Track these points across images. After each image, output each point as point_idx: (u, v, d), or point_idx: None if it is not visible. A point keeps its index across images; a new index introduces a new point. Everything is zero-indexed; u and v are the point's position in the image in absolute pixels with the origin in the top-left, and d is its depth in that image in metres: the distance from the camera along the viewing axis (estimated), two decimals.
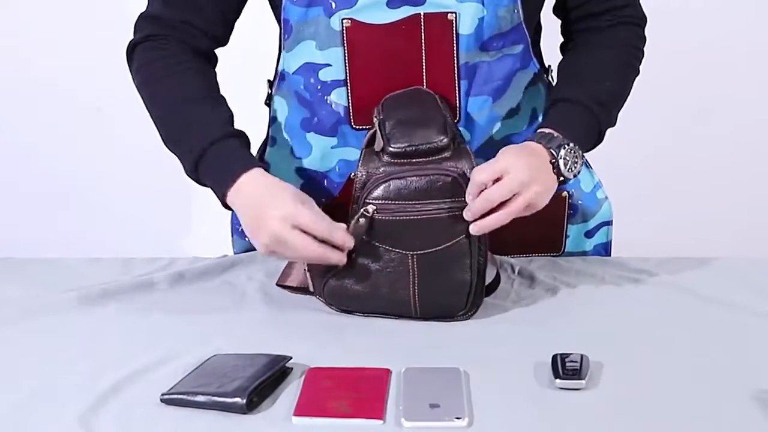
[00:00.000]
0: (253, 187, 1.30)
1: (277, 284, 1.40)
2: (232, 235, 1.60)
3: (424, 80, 1.38)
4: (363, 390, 1.09)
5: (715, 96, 2.83)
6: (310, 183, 1.48)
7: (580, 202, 1.53)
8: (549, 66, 1.50)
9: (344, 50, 1.38)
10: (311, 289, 1.36)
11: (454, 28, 1.36)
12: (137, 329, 1.29)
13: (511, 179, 1.24)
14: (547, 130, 1.34)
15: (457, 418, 1.03)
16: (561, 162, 1.30)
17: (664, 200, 2.85)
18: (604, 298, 1.37)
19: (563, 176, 1.31)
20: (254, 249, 1.56)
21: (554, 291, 1.39)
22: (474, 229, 1.24)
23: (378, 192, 1.25)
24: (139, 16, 1.46)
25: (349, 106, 1.41)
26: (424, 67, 1.37)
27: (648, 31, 1.50)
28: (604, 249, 1.58)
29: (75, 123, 2.90)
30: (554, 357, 1.14)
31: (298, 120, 1.47)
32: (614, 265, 1.48)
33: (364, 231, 1.25)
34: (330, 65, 1.39)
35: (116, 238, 2.80)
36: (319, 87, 1.41)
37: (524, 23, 1.39)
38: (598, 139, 1.42)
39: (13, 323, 1.30)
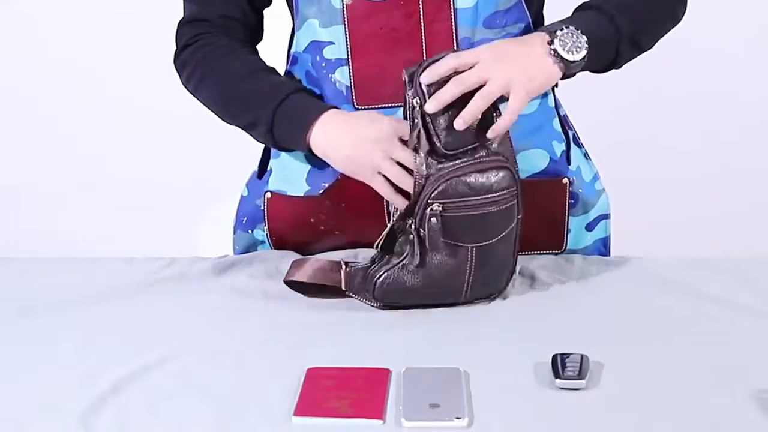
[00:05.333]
0: (340, 119, 1.36)
1: (285, 281, 1.38)
2: (235, 231, 1.59)
3: (425, 58, 1.38)
4: (363, 390, 1.09)
5: (717, 91, 2.83)
6: (317, 165, 1.48)
7: (580, 190, 1.52)
8: None
9: (345, 28, 1.39)
10: (343, 287, 1.34)
11: (451, 3, 1.37)
12: (137, 329, 1.29)
13: (481, 67, 1.25)
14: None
15: (457, 418, 1.03)
16: (558, 42, 1.30)
17: (663, 197, 2.85)
18: (604, 297, 1.37)
19: (563, 58, 1.30)
20: (255, 247, 1.57)
21: (555, 291, 1.39)
22: (458, 122, 1.24)
23: (442, 189, 1.25)
24: (179, 24, 1.52)
25: (351, 85, 1.42)
26: (423, 44, 1.38)
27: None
28: (603, 244, 1.58)
29: (75, 122, 2.90)
30: (554, 357, 1.14)
31: None
32: (614, 265, 1.48)
33: (438, 231, 1.26)
34: (333, 43, 1.41)
35: (116, 238, 2.80)
36: (323, 65, 1.43)
37: (524, 2, 1.41)
38: (618, 52, 1.38)
39: (13, 323, 1.30)
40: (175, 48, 1.52)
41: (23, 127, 2.91)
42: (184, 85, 1.52)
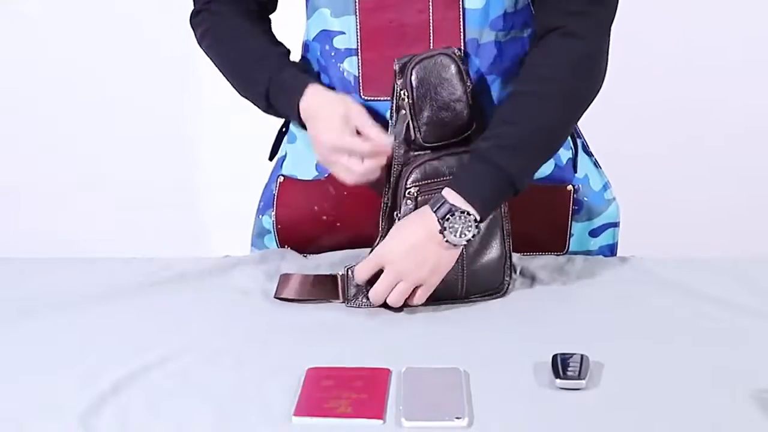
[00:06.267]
0: (306, 112, 1.40)
1: (275, 297, 1.38)
2: (256, 215, 1.62)
3: None
4: (363, 390, 1.09)
5: (716, 93, 2.83)
6: None
7: (586, 198, 1.52)
8: None
9: (356, 19, 1.41)
10: (341, 299, 1.35)
11: (461, 2, 1.38)
12: (137, 329, 1.29)
13: (389, 272, 1.30)
14: (446, 193, 1.30)
15: (457, 418, 1.03)
16: (448, 232, 1.28)
17: (662, 198, 2.85)
18: (604, 297, 1.37)
19: (454, 243, 1.29)
20: (263, 236, 1.58)
21: (555, 291, 1.39)
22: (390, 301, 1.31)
23: (415, 175, 1.34)
24: None
25: (359, 76, 1.43)
26: (431, 41, 1.39)
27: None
28: (610, 250, 1.57)
29: (75, 122, 2.90)
30: (554, 357, 1.14)
31: None
32: (615, 265, 1.48)
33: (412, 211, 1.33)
34: (344, 33, 1.43)
35: (116, 238, 2.80)
36: (333, 54, 1.45)
37: (532, 6, 1.41)
38: (516, 187, 1.33)
39: (13, 323, 1.30)
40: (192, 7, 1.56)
41: (23, 127, 2.90)
42: (198, 43, 1.56)
